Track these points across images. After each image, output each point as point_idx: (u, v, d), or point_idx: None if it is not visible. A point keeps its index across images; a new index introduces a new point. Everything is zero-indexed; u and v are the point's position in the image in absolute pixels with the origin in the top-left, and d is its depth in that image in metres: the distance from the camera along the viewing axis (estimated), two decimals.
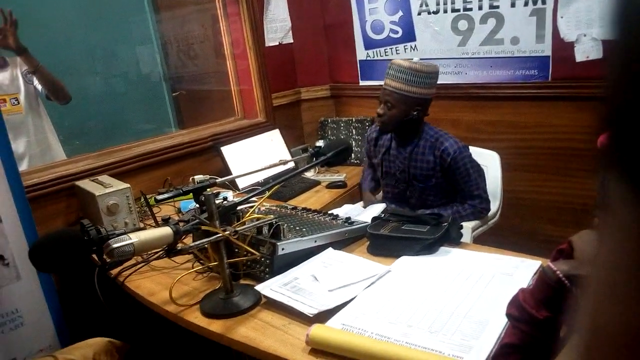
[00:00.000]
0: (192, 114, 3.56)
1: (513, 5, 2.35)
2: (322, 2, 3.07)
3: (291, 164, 2.63)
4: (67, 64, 3.02)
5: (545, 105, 2.38)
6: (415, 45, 2.74)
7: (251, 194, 1.47)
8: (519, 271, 1.29)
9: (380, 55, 2.91)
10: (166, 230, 1.13)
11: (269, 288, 1.29)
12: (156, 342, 1.86)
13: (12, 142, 1.86)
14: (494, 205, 2.10)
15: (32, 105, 2.38)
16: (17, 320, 1.71)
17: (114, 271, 1.52)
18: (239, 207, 1.43)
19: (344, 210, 2.01)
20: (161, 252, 1.41)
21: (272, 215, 1.46)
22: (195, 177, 2.06)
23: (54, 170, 2.16)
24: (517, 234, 2.49)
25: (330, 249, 1.49)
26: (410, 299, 1.21)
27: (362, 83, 3.05)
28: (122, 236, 1.06)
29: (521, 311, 0.83)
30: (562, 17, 2.23)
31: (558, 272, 0.79)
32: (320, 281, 1.31)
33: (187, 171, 2.47)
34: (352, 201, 2.36)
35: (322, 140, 3.03)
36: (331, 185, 2.54)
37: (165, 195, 1.28)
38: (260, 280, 1.35)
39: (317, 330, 1.07)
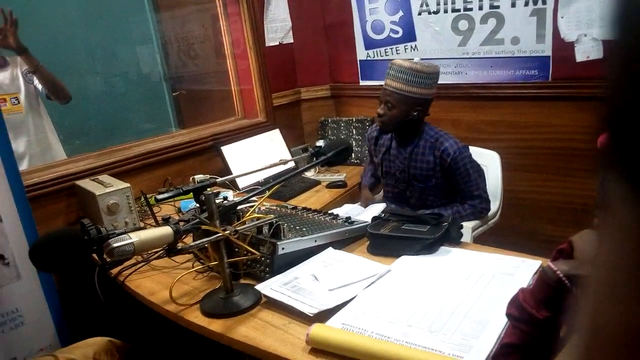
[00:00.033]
0: (193, 113, 3.56)
1: (513, 5, 2.35)
2: (322, 2, 3.07)
3: (291, 164, 2.63)
4: (67, 63, 3.02)
5: (546, 105, 2.38)
6: (415, 45, 2.74)
7: (251, 194, 1.47)
8: (519, 271, 1.29)
9: (381, 55, 2.91)
10: (166, 230, 1.13)
11: (269, 287, 1.29)
12: (156, 342, 1.86)
13: (13, 141, 1.87)
14: (494, 205, 2.10)
15: (33, 104, 2.38)
16: (18, 320, 1.72)
17: (114, 270, 1.52)
18: (239, 207, 1.43)
19: (344, 210, 2.01)
20: (161, 252, 1.41)
21: (272, 215, 1.46)
22: (196, 176, 2.06)
23: (54, 169, 2.16)
24: (517, 233, 2.49)
25: (330, 248, 1.49)
26: (411, 299, 1.21)
27: (362, 83, 3.05)
28: (122, 235, 1.06)
29: (521, 311, 0.83)
30: (562, 17, 2.23)
31: (558, 272, 0.79)
32: (320, 281, 1.31)
33: (187, 171, 2.47)
34: (352, 201, 2.36)
35: (322, 140, 3.04)
36: (331, 185, 2.55)
37: (166, 195, 1.28)
38: (261, 279, 1.35)
39: (317, 330, 1.07)
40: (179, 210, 2.07)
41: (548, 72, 2.34)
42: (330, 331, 1.08)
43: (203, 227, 1.23)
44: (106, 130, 3.32)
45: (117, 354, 1.50)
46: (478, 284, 1.25)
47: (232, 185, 2.38)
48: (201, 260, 1.43)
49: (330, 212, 1.72)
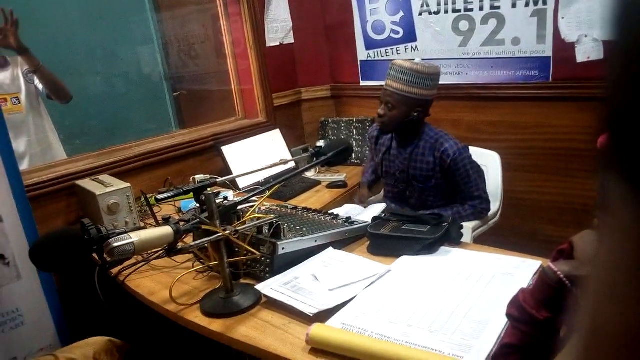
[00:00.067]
0: (193, 113, 3.56)
1: (514, 5, 2.35)
2: (323, 2, 3.07)
3: (292, 164, 2.63)
4: (68, 63, 3.02)
5: (546, 106, 2.38)
6: (416, 46, 2.74)
7: (252, 194, 1.47)
8: (519, 271, 1.29)
9: (381, 56, 2.91)
10: (166, 230, 1.13)
11: (269, 287, 1.29)
12: (156, 342, 1.86)
13: (13, 141, 1.87)
14: (495, 206, 2.10)
15: (33, 104, 2.39)
16: (18, 320, 1.72)
17: (115, 270, 1.52)
18: (239, 207, 1.43)
19: (345, 210, 2.01)
20: (161, 252, 1.41)
21: (272, 215, 1.46)
22: (196, 176, 2.06)
23: (55, 169, 2.16)
24: (518, 234, 2.49)
25: (330, 248, 1.49)
26: (411, 299, 1.21)
27: (362, 83, 3.05)
28: (123, 235, 1.06)
29: (521, 312, 0.83)
30: (563, 18, 2.23)
31: (559, 272, 0.78)
32: (320, 281, 1.31)
33: (187, 171, 2.47)
34: (353, 201, 2.36)
35: (323, 140, 3.04)
36: (332, 185, 2.55)
37: (166, 195, 1.28)
38: (261, 279, 1.36)
39: (317, 330, 1.07)
40: (179, 210, 2.07)
41: (549, 73, 2.34)
42: (330, 331, 1.08)
43: (203, 227, 1.23)
44: (107, 130, 3.32)
45: (117, 353, 1.50)
46: (478, 284, 1.25)
47: (233, 185, 2.39)
48: (201, 260, 1.43)
49: (330, 212, 1.72)
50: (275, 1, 2.92)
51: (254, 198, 1.49)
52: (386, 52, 2.88)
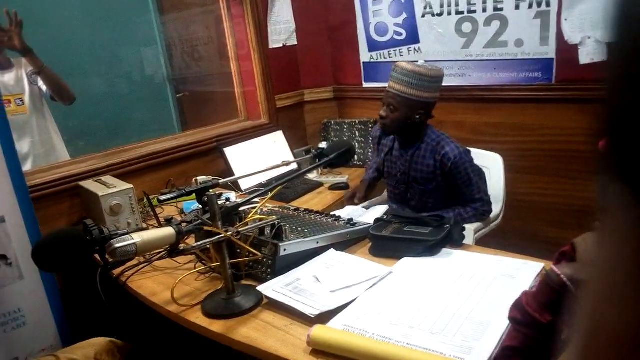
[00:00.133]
0: (196, 115, 3.57)
1: (517, 7, 2.35)
2: (326, 4, 3.07)
3: (294, 166, 2.63)
4: (71, 64, 3.03)
5: (549, 108, 2.37)
6: (419, 48, 2.74)
7: (254, 195, 1.47)
8: (520, 273, 1.28)
9: (384, 58, 2.91)
10: (169, 231, 1.13)
11: (270, 289, 1.29)
12: (158, 342, 1.86)
13: (17, 142, 1.88)
14: (497, 207, 2.10)
15: (37, 105, 2.39)
16: (20, 320, 1.72)
17: (116, 271, 1.52)
18: (241, 208, 1.43)
19: (347, 212, 2.01)
20: (163, 253, 1.41)
21: (274, 216, 1.46)
22: (198, 178, 2.06)
23: (58, 170, 2.17)
24: (520, 236, 2.49)
25: (332, 250, 1.49)
26: (412, 301, 1.21)
27: (365, 85, 3.06)
28: (125, 236, 1.06)
29: (524, 315, 0.82)
30: (566, 20, 2.22)
31: (562, 275, 0.78)
32: (322, 282, 1.31)
33: (190, 172, 2.47)
34: (345, 197, 2.36)
35: (325, 142, 3.04)
36: (334, 187, 2.55)
37: (168, 196, 1.28)
38: (262, 280, 1.35)
39: (319, 331, 1.07)
40: (182, 212, 2.08)
41: (552, 75, 2.34)
42: (331, 332, 1.08)
43: (205, 228, 1.23)
44: (110, 132, 3.33)
45: (118, 354, 1.51)
46: (479, 286, 1.25)
47: (235, 186, 2.39)
48: (203, 262, 1.43)
49: (332, 213, 1.72)
50: (278, 3, 2.93)
51: (256, 199, 1.49)
52: (389, 54, 2.89)
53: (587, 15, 2.17)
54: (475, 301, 1.18)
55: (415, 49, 2.76)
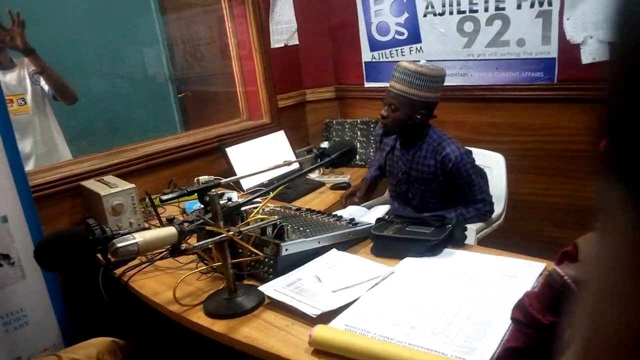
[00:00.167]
0: (198, 115, 3.57)
1: (519, 7, 2.34)
2: (327, 3, 3.07)
3: (296, 165, 2.63)
4: (73, 64, 3.04)
5: (551, 107, 2.37)
6: (420, 47, 2.74)
7: (255, 195, 1.47)
8: (522, 273, 1.28)
9: (386, 57, 2.91)
10: (170, 230, 1.13)
11: (272, 289, 1.29)
12: (160, 342, 1.86)
13: (19, 142, 1.88)
14: (499, 207, 2.09)
15: (39, 105, 2.40)
16: (22, 320, 1.72)
17: (118, 271, 1.53)
18: (243, 208, 1.43)
19: (348, 212, 2.01)
20: (165, 252, 1.42)
21: (276, 216, 1.46)
22: (200, 177, 2.07)
23: (60, 170, 2.17)
24: (521, 236, 2.48)
25: (334, 250, 1.49)
26: (414, 301, 1.21)
27: (367, 85, 3.05)
28: (127, 236, 1.07)
29: (527, 316, 0.82)
30: (568, 19, 2.22)
31: (565, 276, 0.78)
32: (323, 282, 1.31)
33: (192, 172, 2.47)
34: (342, 197, 2.36)
35: (327, 142, 3.03)
36: (335, 187, 2.55)
37: (170, 196, 1.28)
38: (264, 280, 1.36)
39: (320, 331, 1.07)
40: (184, 211, 2.08)
41: (553, 74, 2.33)
42: (333, 332, 1.08)
43: (207, 227, 1.23)
44: (112, 131, 3.33)
45: (120, 354, 1.51)
46: (481, 286, 1.24)
47: (237, 186, 2.39)
48: (205, 261, 1.43)
49: (334, 213, 1.72)
50: (280, 3, 2.93)
51: (257, 199, 1.49)
52: (391, 54, 2.88)
53: (589, 15, 2.16)
54: (477, 301, 1.18)
55: (416, 49, 2.76)
